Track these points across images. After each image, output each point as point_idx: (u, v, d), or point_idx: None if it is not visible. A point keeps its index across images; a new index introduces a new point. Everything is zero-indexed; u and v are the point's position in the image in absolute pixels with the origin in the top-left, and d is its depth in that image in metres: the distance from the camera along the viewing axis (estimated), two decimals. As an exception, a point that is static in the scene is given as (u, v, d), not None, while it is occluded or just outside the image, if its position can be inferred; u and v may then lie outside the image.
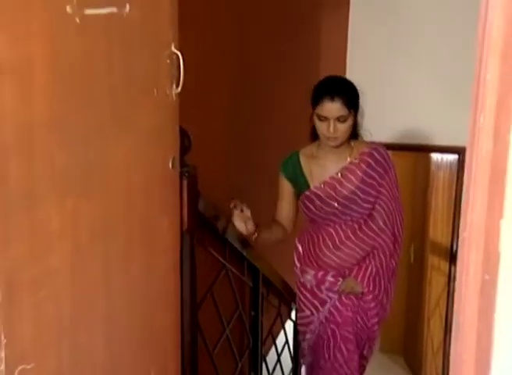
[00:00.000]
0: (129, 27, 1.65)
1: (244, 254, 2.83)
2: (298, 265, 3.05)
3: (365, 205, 2.87)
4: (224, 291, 2.74)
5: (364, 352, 3.24)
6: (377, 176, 2.85)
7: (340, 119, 2.69)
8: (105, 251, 1.65)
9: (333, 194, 2.83)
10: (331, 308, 3.04)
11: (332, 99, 2.66)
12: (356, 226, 2.91)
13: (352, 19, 6.17)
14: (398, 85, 6.33)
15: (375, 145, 2.90)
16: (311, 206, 2.86)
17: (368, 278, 2.93)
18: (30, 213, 1.36)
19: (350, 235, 2.91)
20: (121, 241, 1.72)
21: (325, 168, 2.87)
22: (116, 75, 1.62)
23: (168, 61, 1.83)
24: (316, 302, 3.05)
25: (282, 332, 3.93)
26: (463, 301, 1.04)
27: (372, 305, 3.00)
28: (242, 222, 2.56)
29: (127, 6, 1.61)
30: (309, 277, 3.03)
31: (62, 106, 1.41)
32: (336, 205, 2.84)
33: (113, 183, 1.66)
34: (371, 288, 2.94)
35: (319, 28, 4.83)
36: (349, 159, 2.84)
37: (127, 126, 1.69)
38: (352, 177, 2.84)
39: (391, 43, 6.20)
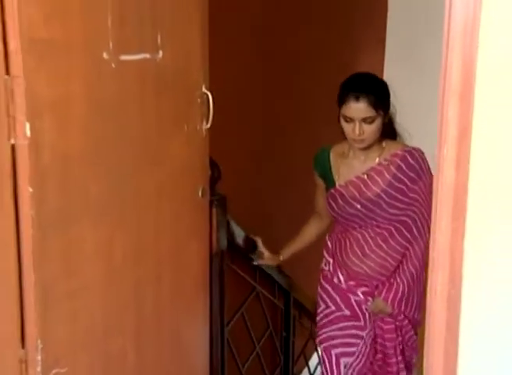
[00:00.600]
0: (162, 71, 1.80)
1: (275, 278, 2.92)
2: (330, 260, 2.78)
3: (391, 210, 2.58)
4: (255, 312, 2.83)
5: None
6: (408, 181, 2.54)
7: (367, 121, 2.44)
8: (136, 272, 1.78)
9: (357, 194, 2.59)
10: (377, 331, 2.80)
11: (357, 99, 2.43)
12: (386, 233, 2.63)
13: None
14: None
15: (410, 148, 2.60)
16: (334, 205, 2.64)
17: (400, 300, 2.66)
18: (66, 235, 1.51)
19: (381, 243, 2.63)
20: (152, 263, 1.85)
21: (352, 167, 2.63)
22: (149, 113, 1.76)
23: (198, 100, 1.97)
24: (338, 298, 2.77)
25: (315, 354, 3.98)
26: (432, 314, 1.13)
27: (406, 322, 2.75)
28: (265, 259, 2.72)
29: (160, 52, 1.76)
30: (342, 279, 2.78)
31: (97, 141, 1.56)
32: (358, 206, 2.59)
33: (145, 211, 1.80)
34: (402, 309, 2.69)
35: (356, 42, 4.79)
36: (377, 160, 2.57)
37: (159, 159, 1.83)
38: (378, 179, 2.56)
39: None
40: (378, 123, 2.45)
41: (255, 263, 2.73)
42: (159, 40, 1.75)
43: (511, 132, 0.99)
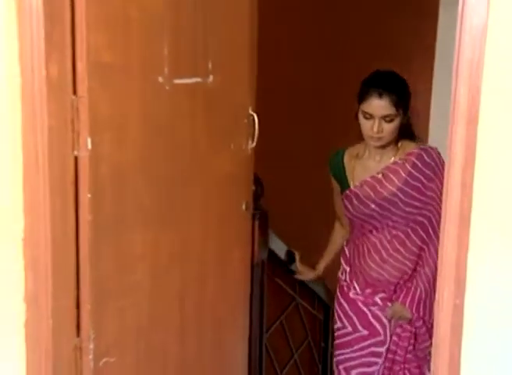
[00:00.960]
0: (212, 93, 1.95)
1: (315, 290, 3.02)
2: (347, 268, 2.73)
3: (407, 209, 2.51)
4: (295, 322, 2.94)
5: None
6: (424, 179, 2.47)
7: (386, 119, 2.39)
8: (181, 274, 1.92)
9: (372, 194, 2.52)
10: (394, 338, 2.70)
11: (380, 96, 2.38)
12: (402, 235, 2.56)
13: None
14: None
15: (426, 146, 2.55)
16: (350, 206, 2.59)
17: (418, 303, 2.57)
18: (119, 237, 1.67)
19: (399, 247, 2.57)
20: (196, 267, 1.99)
21: (367, 168, 2.57)
22: (198, 131, 1.91)
23: (245, 120, 2.11)
24: (354, 316, 2.71)
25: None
26: (439, 321, 1.23)
27: (423, 330, 2.64)
28: (301, 274, 2.82)
29: (211, 77, 1.91)
30: (358, 290, 2.72)
31: (150, 154, 1.72)
32: (373, 206, 2.52)
33: (191, 218, 1.94)
34: (420, 314, 2.59)
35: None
36: (393, 159, 2.51)
37: (206, 173, 1.97)
38: (394, 178, 2.49)
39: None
40: (397, 122, 2.42)
41: (295, 277, 2.83)
42: (210, 65, 1.90)
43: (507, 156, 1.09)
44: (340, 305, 2.75)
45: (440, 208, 2.39)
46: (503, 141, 1.10)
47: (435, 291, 2.54)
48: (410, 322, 2.65)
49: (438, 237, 2.37)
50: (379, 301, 2.67)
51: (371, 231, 2.60)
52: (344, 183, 2.64)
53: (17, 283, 1.55)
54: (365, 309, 2.70)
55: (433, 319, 2.57)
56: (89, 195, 1.56)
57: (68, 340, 1.62)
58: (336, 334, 2.81)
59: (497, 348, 1.16)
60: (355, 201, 2.56)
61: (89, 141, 1.53)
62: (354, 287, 2.71)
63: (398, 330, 2.70)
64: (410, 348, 2.69)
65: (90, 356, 1.65)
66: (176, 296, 1.91)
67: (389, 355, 2.71)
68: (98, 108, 1.55)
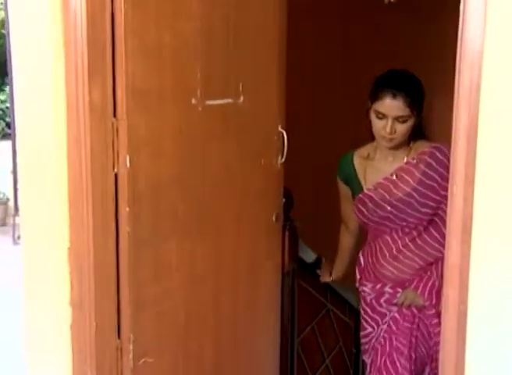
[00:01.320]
0: (243, 113, 2.06)
1: (345, 297, 3.09)
2: (358, 277, 2.66)
3: (423, 209, 2.40)
4: (326, 328, 3.00)
5: None
6: (438, 178, 2.36)
7: (400, 120, 2.29)
8: (215, 282, 2.04)
9: (387, 196, 2.41)
10: (389, 321, 2.62)
11: (394, 96, 2.27)
12: (415, 233, 2.47)
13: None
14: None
15: (438, 144, 2.41)
16: (364, 209, 2.46)
17: (430, 290, 2.45)
18: (156, 247, 1.79)
19: (408, 242, 2.47)
20: (229, 275, 2.10)
21: (379, 170, 2.45)
22: (230, 148, 2.02)
23: (275, 138, 2.21)
24: (377, 317, 2.65)
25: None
26: (446, 327, 1.31)
27: (435, 321, 2.47)
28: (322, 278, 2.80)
29: (241, 97, 2.03)
30: (367, 290, 2.64)
31: (184, 170, 1.84)
32: (388, 208, 2.42)
33: (224, 229, 2.05)
34: (433, 302, 2.45)
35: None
36: (405, 159, 2.40)
37: (238, 187, 2.08)
38: (408, 178, 2.38)
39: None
40: (410, 123, 2.32)
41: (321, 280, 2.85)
42: (241, 87, 2.01)
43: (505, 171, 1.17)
44: (365, 311, 2.70)
45: None
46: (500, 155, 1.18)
47: None
48: (418, 309, 2.53)
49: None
50: (390, 290, 2.57)
51: (385, 232, 2.51)
52: (356, 187, 2.52)
53: (63, 288, 1.69)
54: (385, 311, 2.63)
55: None
56: (127, 209, 1.69)
57: (109, 341, 1.74)
58: (364, 341, 2.76)
59: (499, 348, 1.24)
60: (370, 205, 2.46)
61: (127, 159, 1.66)
62: (364, 289, 2.64)
63: (395, 315, 2.60)
64: (421, 339, 2.58)
65: (130, 356, 1.77)
66: (211, 302, 2.02)
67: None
68: (136, 129, 1.68)
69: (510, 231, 1.19)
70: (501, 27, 1.16)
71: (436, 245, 2.44)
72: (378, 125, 2.32)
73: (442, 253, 2.18)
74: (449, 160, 2.18)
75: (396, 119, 2.27)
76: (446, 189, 2.18)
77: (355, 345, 3.26)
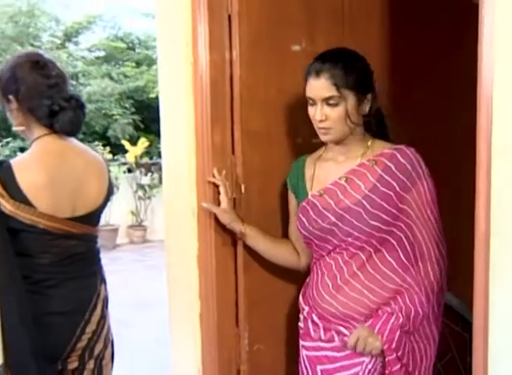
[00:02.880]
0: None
1: (460, 312, 3.15)
2: (306, 308, 1.93)
3: (373, 222, 1.77)
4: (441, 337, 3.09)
5: None
6: (397, 186, 1.77)
7: (329, 103, 1.77)
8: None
9: (332, 203, 1.82)
10: None
11: (317, 74, 1.77)
12: (362, 255, 1.82)
13: None
14: None
15: (402, 146, 1.82)
16: (304, 220, 1.87)
17: (390, 329, 1.73)
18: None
19: (356, 271, 1.81)
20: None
21: (328, 172, 1.89)
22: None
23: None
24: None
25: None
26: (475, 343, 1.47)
27: (395, 369, 1.76)
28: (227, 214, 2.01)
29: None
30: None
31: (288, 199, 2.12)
32: (332, 219, 1.81)
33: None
34: (393, 345, 1.73)
35: None
36: (359, 160, 1.84)
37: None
38: (360, 183, 1.81)
39: None
40: (344, 107, 1.76)
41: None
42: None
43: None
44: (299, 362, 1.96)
45: (417, 228, 1.77)
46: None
47: (420, 339, 1.80)
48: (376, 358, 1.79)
49: (420, 268, 1.78)
50: (336, 337, 1.85)
51: (328, 252, 1.87)
52: (300, 194, 1.95)
53: (194, 286, 2.06)
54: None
55: (412, 367, 1.78)
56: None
57: (229, 329, 2.09)
58: None
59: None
60: (311, 214, 1.86)
61: (243, 187, 2.01)
62: (309, 328, 1.91)
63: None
64: None
65: (246, 342, 2.10)
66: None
67: None
68: (249, 164, 2.03)
69: None
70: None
71: (392, 275, 1.80)
72: (310, 113, 1.83)
73: (401, 287, 1.77)
74: (412, 165, 1.77)
75: (325, 102, 1.77)
76: (406, 202, 1.77)
77: (470, 353, 3.31)
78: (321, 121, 1.78)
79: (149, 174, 8.43)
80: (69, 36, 12.21)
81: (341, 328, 1.82)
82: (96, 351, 1.93)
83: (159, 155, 9.37)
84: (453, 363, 3.38)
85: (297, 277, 2.09)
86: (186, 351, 2.13)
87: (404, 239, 1.80)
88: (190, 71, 1.97)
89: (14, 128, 1.90)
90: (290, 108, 2.09)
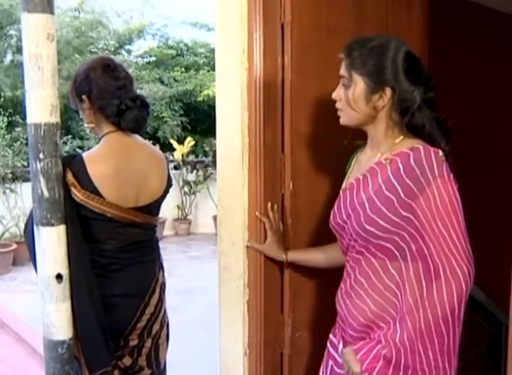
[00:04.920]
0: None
1: (490, 309, 3.12)
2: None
3: (368, 227, 1.54)
4: (468, 332, 3.05)
5: None
6: (401, 192, 1.49)
7: (343, 82, 1.61)
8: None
9: (348, 200, 1.64)
10: None
11: (343, 53, 1.61)
12: (364, 263, 1.62)
13: None
14: None
15: (420, 146, 1.51)
16: (332, 212, 1.73)
17: (373, 357, 1.50)
18: (310, 248, 2.10)
19: (359, 277, 1.64)
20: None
21: (359, 166, 1.71)
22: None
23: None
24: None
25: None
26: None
27: None
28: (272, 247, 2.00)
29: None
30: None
31: (333, 192, 2.13)
32: (344, 216, 1.65)
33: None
34: None
35: None
36: (378, 157, 1.60)
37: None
38: (370, 183, 1.58)
39: None
40: (351, 92, 1.58)
41: None
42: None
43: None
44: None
45: (426, 245, 1.46)
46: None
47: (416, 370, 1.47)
48: None
49: (420, 285, 1.49)
50: (336, 343, 1.79)
51: (345, 252, 1.73)
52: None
53: (244, 275, 2.08)
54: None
55: None
56: (290, 220, 2.05)
57: (274, 315, 2.11)
58: None
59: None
60: (335, 207, 1.71)
61: (291, 184, 2.02)
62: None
63: None
64: None
65: (289, 329, 2.12)
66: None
67: None
68: (297, 162, 2.04)
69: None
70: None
71: (395, 289, 1.55)
72: None
73: (403, 304, 1.52)
74: (421, 168, 1.46)
75: (341, 80, 1.63)
76: (409, 210, 1.48)
77: (496, 348, 3.28)
78: (335, 97, 1.65)
79: (194, 171, 8.51)
80: (122, 44, 12.39)
81: (343, 334, 1.71)
82: (153, 331, 1.97)
83: (204, 154, 9.55)
84: (480, 356, 3.35)
85: (339, 272, 2.08)
86: (234, 335, 2.16)
87: (408, 251, 1.52)
88: (245, 76, 1.99)
89: (85, 125, 1.95)
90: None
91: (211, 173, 8.21)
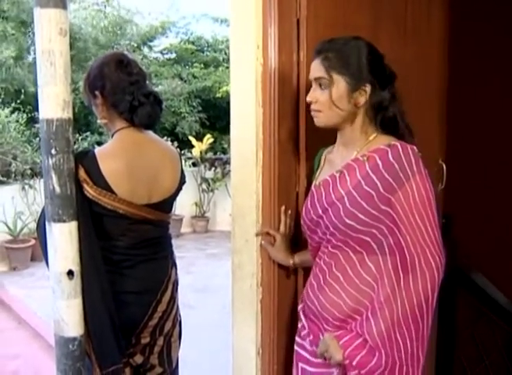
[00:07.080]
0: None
1: (504, 306, 3.07)
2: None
3: (348, 221, 1.59)
4: (486, 333, 3.02)
5: None
6: (381, 187, 1.56)
7: (319, 83, 1.63)
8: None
9: (323, 195, 1.67)
10: None
11: (315, 55, 1.65)
12: (342, 257, 1.66)
13: None
14: None
15: (400, 142, 1.60)
16: (304, 209, 1.77)
17: (356, 346, 1.54)
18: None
19: (335, 271, 1.67)
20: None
21: (332, 164, 1.75)
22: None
23: (435, 169, 2.39)
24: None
25: None
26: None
27: None
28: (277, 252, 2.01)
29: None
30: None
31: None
32: (319, 211, 1.68)
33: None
34: (354, 362, 1.54)
35: None
36: (355, 154, 1.65)
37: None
38: (348, 179, 1.63)
39: None
40: (334, 91, 1.60)
41: None
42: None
43: None
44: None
45: (403, 237, 1.53)
46: None
47: (397, 362, 1.53)
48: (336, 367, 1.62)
49: (398, 277, 1.56)
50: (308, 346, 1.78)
51: (316, 248, 1.78)
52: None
53: (257, 274, 2.07)
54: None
55: None
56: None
57: (287, 312, 2.09)
58: None
59: None
60: (308, 204, 1.75)
61: (305, 181, 2.00)
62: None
63: None
64: None
65: (300, 325, 2.09)
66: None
67: None
68: (312, 160, 2.01)
69: None
70: None
71: (371, 282, 1.62)
72: None
73: (379, 296, 1.58)
74: (401, 164, 1.53)
75: (317, 83, 1.64)
76: (388, 204, 1.54)
77: (517, 351, 3.23)
78: (311, 103, 1.67)
79: (212, 169, 8.54)
80: (145, 40, 12.48)
81: (318, 331, 1.71)
82: (165, 329, 1.97)
83: (223, 151, 9.57)
84: (500, 358, 3.30)
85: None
86: (247, 334, 2.15)
87: (385, 244, 1.59)
88: (259, 71, 1.98)
89: (98, 121, 1.96)
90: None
91: (229, 171, 8.20)
